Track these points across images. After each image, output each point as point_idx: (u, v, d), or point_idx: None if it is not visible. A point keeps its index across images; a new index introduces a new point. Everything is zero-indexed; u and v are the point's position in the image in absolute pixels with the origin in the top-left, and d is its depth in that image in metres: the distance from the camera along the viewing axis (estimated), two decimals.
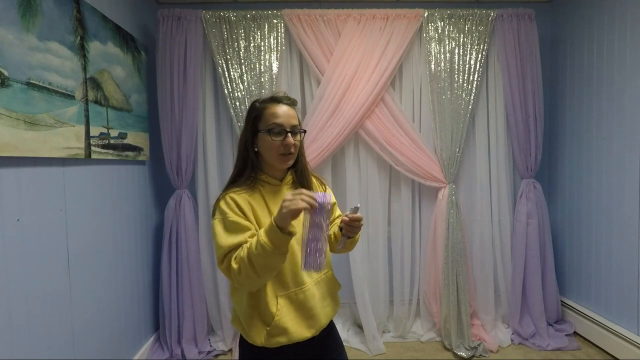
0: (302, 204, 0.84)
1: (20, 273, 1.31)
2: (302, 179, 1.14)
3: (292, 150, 1.05)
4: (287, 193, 0.88)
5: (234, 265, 0.92)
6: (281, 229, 0.86)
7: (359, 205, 1.04)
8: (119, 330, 1.98)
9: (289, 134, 1.04)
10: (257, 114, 1.07)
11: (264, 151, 1.06)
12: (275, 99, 1.08)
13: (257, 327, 1.01)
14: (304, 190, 0.87)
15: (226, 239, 0.95)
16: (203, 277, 2.40)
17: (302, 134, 1.10)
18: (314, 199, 0.86)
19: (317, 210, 0.87)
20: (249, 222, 0.99)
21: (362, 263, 2.44)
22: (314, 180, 1.19)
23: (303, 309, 1.04)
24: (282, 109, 1.05)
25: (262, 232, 0.89)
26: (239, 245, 0.95)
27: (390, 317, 2.57)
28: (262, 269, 0.89)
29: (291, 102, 1.10)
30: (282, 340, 1.01)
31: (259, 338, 1.01)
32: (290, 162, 1.08)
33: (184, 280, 2.34)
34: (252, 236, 0.97)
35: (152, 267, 2.40)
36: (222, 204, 1.01)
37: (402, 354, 2.32)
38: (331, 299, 1.14)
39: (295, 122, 1.07)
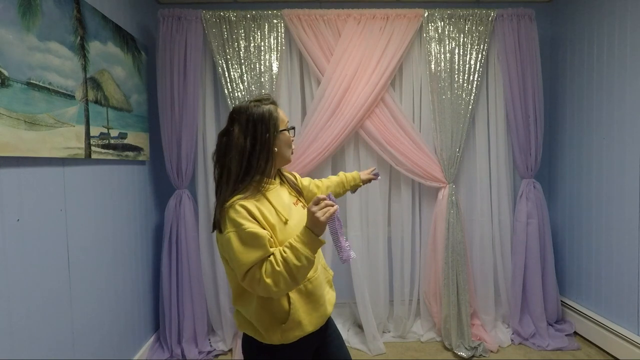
0: (332, 209, 0.94)
1: (20, 273, 1.31)
2: (286, 177, 1.24)
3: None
4: (310, 205, 0.95)
5: (267, 280, 0.92)
6: (318, 236, 0.95)
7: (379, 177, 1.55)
8: (119, 330, 1.98)
9: None
10: (275, 117, 1.10)
11: (283, 149, 1.13)
12: (274, 102, 1.16)
13: (274, 326, 1.03)
14: (320, 197, 0.96)
15: (247, 255, 0.94)
16: (203, 277, 2.40)
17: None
18: (332, 202, 0.97)
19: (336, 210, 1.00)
20: (264, 229, 0.98)
21: (362, 263, 2.44)
22: (288, 175, 1.30)
23: (313, 298, 1.08)
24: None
25: (300, 245, 0.93)
26: (260, 260, 0.94)
27: (390, 317, 2.57)
28: (302, 278, 0.97)
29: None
30: (298, 333, 1.04)
31: (276, 337, 1.03)
32: None
33: (184, 280, 2.34)
34: (271, 245, 0.97)
35: (152, 267, 2.40)
36: (233, 215, 0.97)
37: (402, 354, 2.32)
38: (329, 287, 1.20)
39: None
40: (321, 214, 0.92)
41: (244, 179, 1.04)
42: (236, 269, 0.96)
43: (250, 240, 0.94)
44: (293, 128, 1.18)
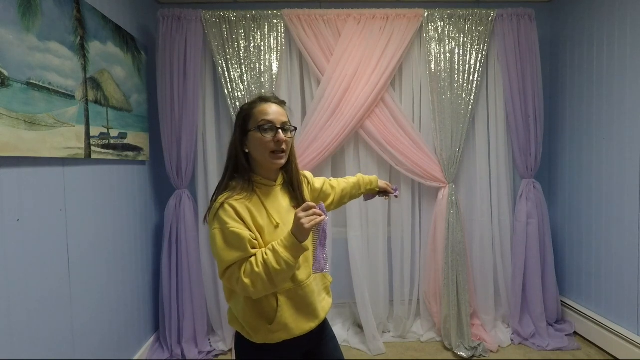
0: (319, 218, 0.92)
1: (20, 273, 1.31)
2: (292, 180, 1.15)
3: (284, 147, 1.05)
4: (298, 210, 0.93)
5: (245, 280, 0.94)
6: (301, 242, 0.93)
7: (397, 195, 1.48)
8: (119, 330, 1.98)
9: (280, 131, 1.05)
10: (246, 114, 1.07)
11: (255, 150, 1.06)
12: (263, 99, 1.09)
13: (259, 326, 1.03)
14: (310, 204, 0.94)
15: (228, 254, 0.95)
16: (203, 277, 2.40)
17: (293, 132, 1.11)
18: (320, 212, 0.94)
19: (323, 221, 0.97)
20: (249, 231, 0.98)
21: (362, 263, 2.44)
22: (302, 176, 1.23)
23: (303, 304, 1.06)
24: (272, 107, 1.06)
25: (281, 249, 0.93)
26: (240, 260, 0.96)
27: (390, 317, 2.57)
28: (281, 282, 0.95)
29: (280, 102, 1.11)
30: (283, 335, 1.04)
31: (260, 336, 1.03)
32: (283, 161, 1.08)
33: (184, 280, 2.34)
34: (253, 247, 0.97)
35: (152, 267, 2.40)
36: (221, 213, 0.98)
37: (402, 354, 2.32)
38: (326, 293, 1.19)
39: (285, 120, 1.08)
40: (307, 221, 0.91)
41: (232, 177, 1.07)
42: (218, 264, 0.99)
43: (232, 239, 0.95)
44: (277, 128, 1.04)
